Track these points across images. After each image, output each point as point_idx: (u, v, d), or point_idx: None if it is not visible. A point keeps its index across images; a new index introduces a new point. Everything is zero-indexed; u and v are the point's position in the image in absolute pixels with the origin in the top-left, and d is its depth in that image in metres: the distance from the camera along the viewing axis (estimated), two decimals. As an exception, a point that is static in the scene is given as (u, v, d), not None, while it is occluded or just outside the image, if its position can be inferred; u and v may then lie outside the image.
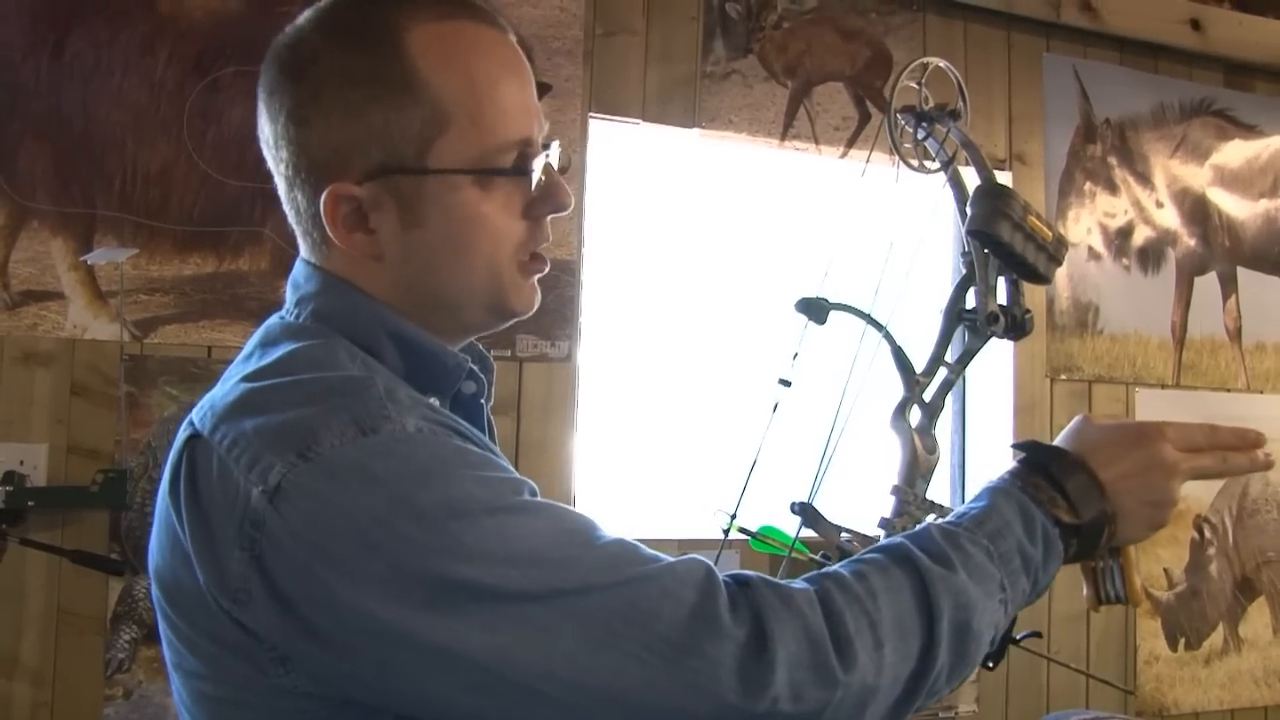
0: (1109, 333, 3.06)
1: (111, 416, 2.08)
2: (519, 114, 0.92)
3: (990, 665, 1.10)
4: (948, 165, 1.34)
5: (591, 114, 2.49)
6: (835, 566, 0.90)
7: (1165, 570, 3.08)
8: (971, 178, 1.30)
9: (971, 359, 1.27)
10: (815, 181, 2.75)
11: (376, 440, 0.79)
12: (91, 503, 2.04)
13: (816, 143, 2.71)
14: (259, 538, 0.77)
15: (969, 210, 1.21)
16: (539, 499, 0.84)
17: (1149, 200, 3.15)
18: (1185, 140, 3.20)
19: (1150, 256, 3.14)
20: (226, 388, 0.88)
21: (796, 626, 0.81)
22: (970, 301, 1.26)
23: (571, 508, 0.86)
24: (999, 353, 2.91)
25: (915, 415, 1.25)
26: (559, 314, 2.42)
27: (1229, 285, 3.26)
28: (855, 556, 0.92)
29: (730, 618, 0.80)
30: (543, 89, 2.50)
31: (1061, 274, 3.00)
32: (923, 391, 1.25)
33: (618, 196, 2.59)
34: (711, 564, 0.84)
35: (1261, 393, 3.27)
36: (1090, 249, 3.05)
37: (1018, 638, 1.12)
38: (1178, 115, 3.19)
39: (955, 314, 1.27)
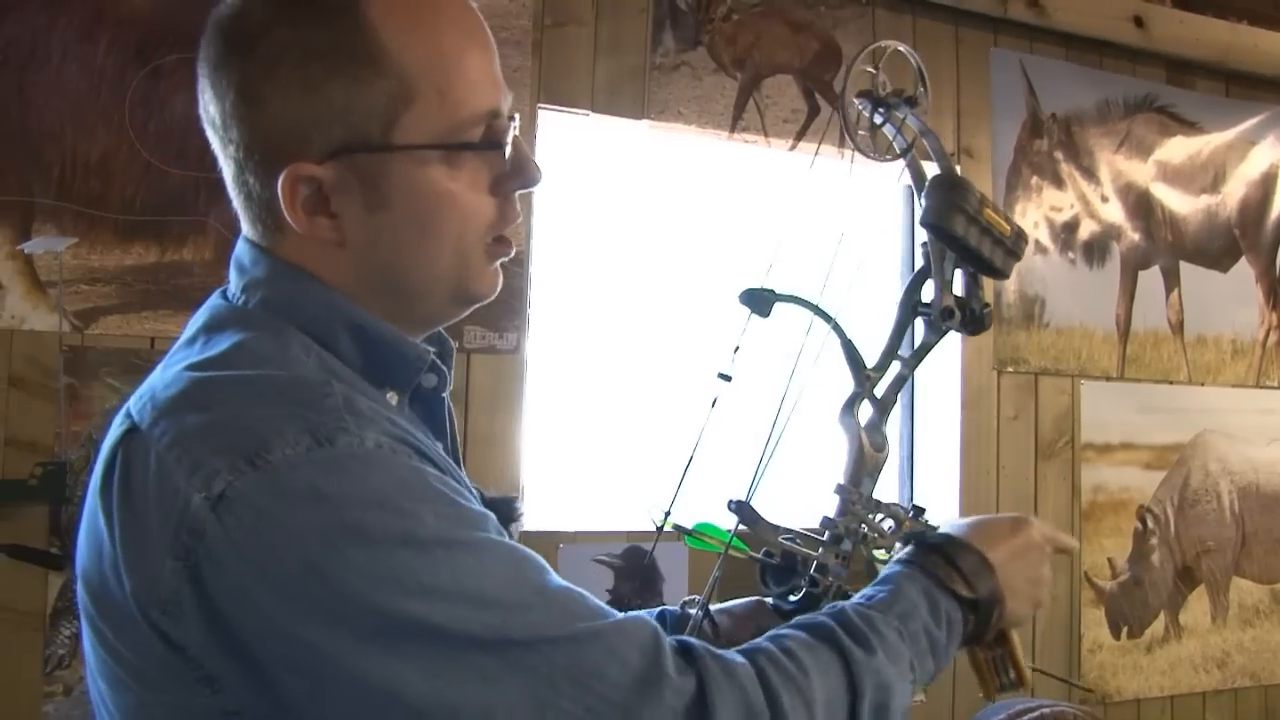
0: (1055, 325, 3.10)
1: (50, 409, 2.05)
2: (487, 85, 0.87)
3: None
4: (906, 153, 1.29)
5: (540, 105, 2.48)
6: (763, 641, 0.89)
7: (1109, 560, 3.13)
8: (931, 169, 1.27)
9: (926, 354, 1.23)
10: (764, 174, 2.76)
11: (331, 453, 0.74)
12: (30, 496, 2.00)
13: (766, 135, 2.72)
14: (196, 547, 0.72)
15: (923, 202, 1.17)
16: (495, 536, 0.79)
17: (1094, 195, 3.19)
18: (1129, 136, 3.24)
19: (1095, 250, 3.18)
20: (168, 375, 0.82)
21: (738, 700, 0.80)
22: (928, 294, 1.22)
23: (524, 548, 0.81)
24: (946, 345, 2.92)
25: (865, 411, 1.21)
26: (507, 305, 2.40)
27: (1171, 279, 3.31)
28: (778, 631, 0.92)
29: (674, 685, 0.78)
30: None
31: (1008, 267, 3.03)
32: (874, 387, 1.21)
33: (567, 188, 2.58)
34: (658, 626, 0.82)
35: (1203, 385, 3.33)
36: (1037, 243, 3.08)
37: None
38: (1122, 111, 3.24)
39: (911, 307, 1.23)
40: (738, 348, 1.29)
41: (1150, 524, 3.19)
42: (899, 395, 1.25)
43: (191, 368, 0.81)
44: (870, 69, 1.33)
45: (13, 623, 2.00)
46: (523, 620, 0.75)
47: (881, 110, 1.31)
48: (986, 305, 1.21)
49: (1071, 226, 3.15)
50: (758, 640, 0.90)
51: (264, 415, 0.75)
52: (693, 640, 0.84)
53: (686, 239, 2.73)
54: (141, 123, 2.12)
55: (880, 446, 1.20)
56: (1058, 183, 3.13)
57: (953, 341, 2.93)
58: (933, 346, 1.23)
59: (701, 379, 1.31)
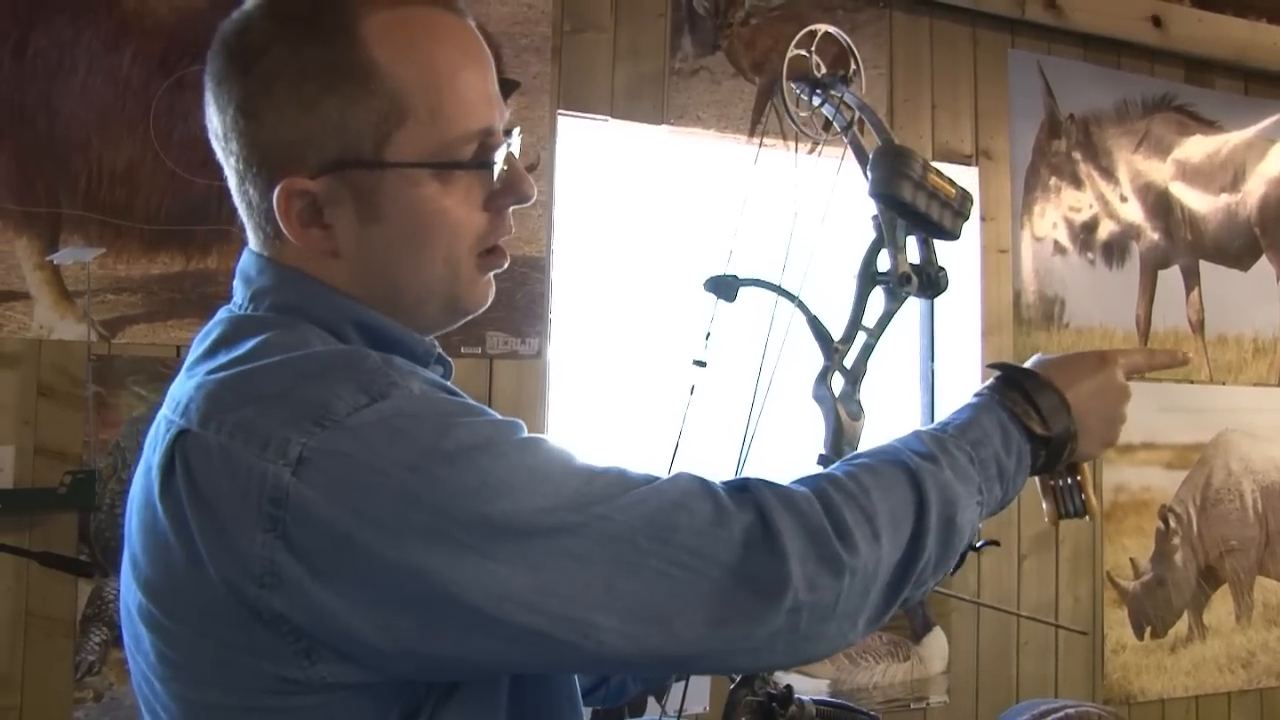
0: (1075, 326, 3.10)
1: (79, 417, 2.07)
2: (480, 103, 0.89)
3: (952, 572, 1.15)
4: (847, 129, 1.33)
5: (560, 111, 2.49)
6: (830, 469, 0.94)
7: (1131, 560, 3.12)
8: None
9: (890, 321, 1.27)
10: (765, 171, 2.75)
11: (389, 404, 0.78)
12: (60, 504, 2.02)
13: (785, 139, 2.72)
14: (282, 515, 0.75)
15: (869, 173, 1.21)
16: (536, 435, 0.84)
17: (1113, 195, 3.19)
18: (1148, 135, 3.24)
19: (1115, 250, 3.18)
20: (201, 381, 0.83)
21: (797, 523, 0.84)
22: (884, 264, 1.26)
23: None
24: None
25: (838, 383, 1.25)
26: (529, 311, 2.42)
27: (1191, 278, 3.30)
28: (846, 459, 0.97)
29: (739, 520, 0.83)
30: (511, 85, 2.50)
31: (1028, 268, 3.04)
32: (843, 359, 1.25)
33: (587, 193, 2.59)
34: (699, 474, 0.87)
35: (1224, 384, 3.32)
36: (1056, 243, 3.08)
37: (978, 545, 1.15)
38: (1140, 111, 3.23)
39: (868, 277, 1.26)
40: (709, 334, 1.33)
41: (1172, 524, 3.18)
42: (866, 364, 1.28)
43: (222, 369, 0.84)
44: (804, 52, 1.36)
45: (44, 629, 2.02)
46: (593, 496, 0.80)
47: (819, 91, 1.35)
48: (941, 269, 1.25)
49: (1091, 227, 3.15)
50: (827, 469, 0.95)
51: (315, 386, 0.79)
52: (748, 476, 0.89)
53: (706, 242, 2.73)
54: (166, 132, 2.14)
55: (856, 415, 1.24)
56: (1076, 183, 3.13)
57: (973, 344, 2.93)
58: (894, 314, 1.27)
59: (679, 367, 1.34)
